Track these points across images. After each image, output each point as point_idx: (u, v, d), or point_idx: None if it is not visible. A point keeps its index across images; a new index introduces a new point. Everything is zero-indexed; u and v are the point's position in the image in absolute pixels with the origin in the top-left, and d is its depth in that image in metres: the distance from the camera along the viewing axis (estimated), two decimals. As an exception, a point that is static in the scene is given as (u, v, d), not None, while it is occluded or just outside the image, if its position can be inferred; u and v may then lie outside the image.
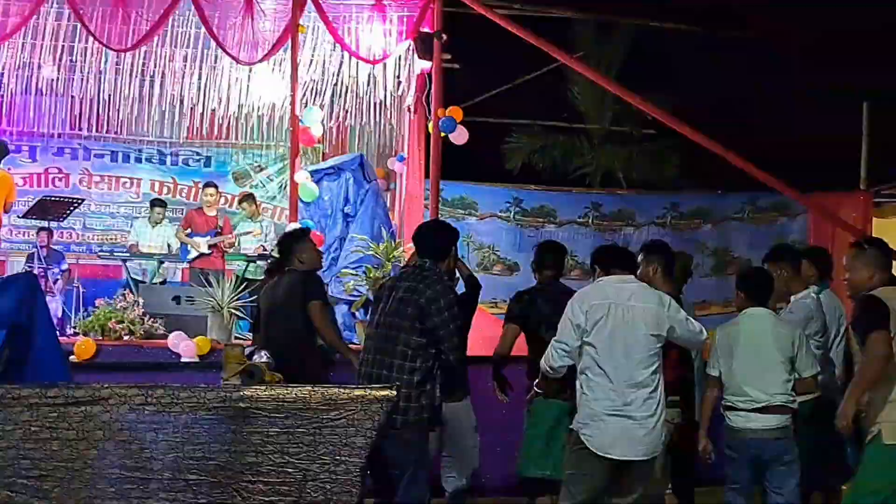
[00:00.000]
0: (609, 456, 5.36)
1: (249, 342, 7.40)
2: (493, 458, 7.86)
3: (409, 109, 12.03)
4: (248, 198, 13.07)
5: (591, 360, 5.47)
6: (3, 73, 11.56)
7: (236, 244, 12.47)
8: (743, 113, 17.83)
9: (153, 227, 12.76)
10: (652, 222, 15.58)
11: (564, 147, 19.32)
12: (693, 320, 5.76)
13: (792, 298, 6.89)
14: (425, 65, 11.21)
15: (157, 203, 13.17)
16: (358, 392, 4.75)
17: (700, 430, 6.27)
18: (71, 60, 11.73)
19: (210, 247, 12.24)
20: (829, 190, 12.81)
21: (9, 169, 13.53)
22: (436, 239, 6.21)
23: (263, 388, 4.89)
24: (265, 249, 12.01)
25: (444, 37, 11.02)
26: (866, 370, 5.29)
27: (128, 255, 12.71)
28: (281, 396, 4.71)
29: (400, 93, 12.14)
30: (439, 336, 5.63)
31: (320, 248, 8.45)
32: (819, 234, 12.57)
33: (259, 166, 14.69)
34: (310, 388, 4.80)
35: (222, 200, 13.58)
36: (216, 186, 13.05)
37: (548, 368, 5.70)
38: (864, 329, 5.32)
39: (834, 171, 13.39)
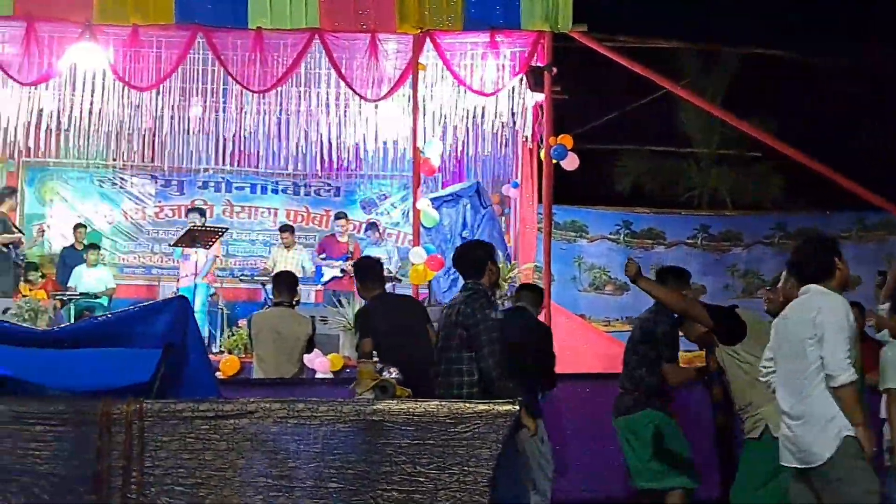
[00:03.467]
0: None
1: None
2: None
3: (524, 139, 12.06)
4: (372, 226, 13.31)
5: None
6: (159, 116, 11.95)
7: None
8: (847, 134, 17.34)
9: (287, 251, 13.02)
10: (759, 242, 15.26)
11: (672, 170, 19.09)
12: None
13: None
14: (537, 96, 11.23)
15: (284, 228, 13.45)
16: (482, 407, 4.76)
17: None
18: (215, 101, 12.10)
19: (342, 270, 12.45)
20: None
21: (159, 202, 14.11)
22: (471, 257, 6.09)
23: (395, 402, 4.93)
24: (390, 272, 12.15)
25: (555, 70, 11.02)
26: None
27: (266, 278, 13.00)
28: (411, 410, 4.73)
29: (513, 123, 12.19)
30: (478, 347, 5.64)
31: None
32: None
33: (384, 195, 14.90)
34: (437, 402, 4.83)
35: (351, 227, 13.80)
36: (346, 216, 13.32)
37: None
38: None
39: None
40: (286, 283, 8.23)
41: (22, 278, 11.70)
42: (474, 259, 5.98)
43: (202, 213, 13.15)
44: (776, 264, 12.92)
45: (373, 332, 6.90)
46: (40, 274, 12.36)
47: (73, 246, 13.15)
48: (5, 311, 9.64)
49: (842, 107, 17.48)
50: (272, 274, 10.17)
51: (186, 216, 13.09)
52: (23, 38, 10.48)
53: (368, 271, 7.33)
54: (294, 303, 8.29)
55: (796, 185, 16.50)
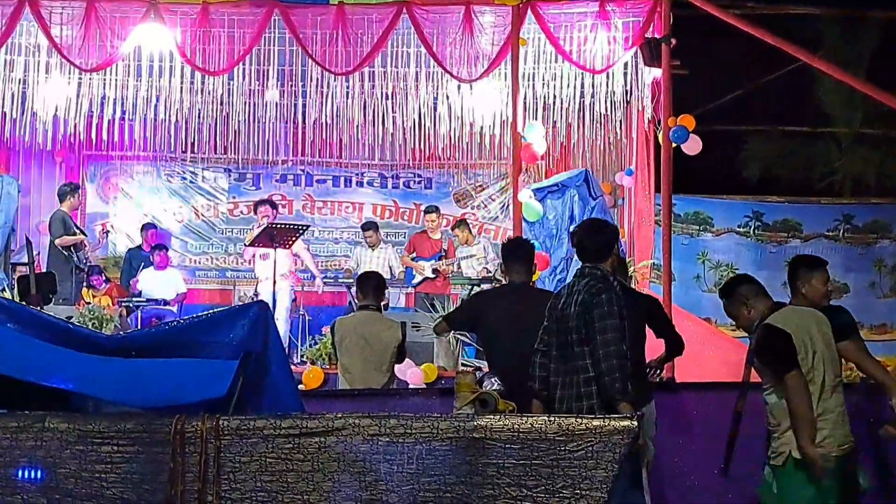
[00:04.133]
0: None
1: (483, 368, 7.45)
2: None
3: (641, 120, 11.93)
4: (462, 223, 13.24)
5: None
6: (232, 103, 12.12)
7: (458, 267, 12.66)
8: None
9: (372, 250, 13.08)
10: (908, 233, 14.94)
11: (808, 153, 18.70)
12: None
13: None
14: (654, 72, 11.10)
15: (367, 226, 13.49)
16: (597, 423, 4.69)
17: None
18: (293, 85, 12.22)
19: (434, 271, 12.47)
20: None
21: (234, 197, 14.32)
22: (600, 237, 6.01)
23: (497, 417, 4.90)
24: (489, 272, 12.14)
25: (674, 41, 10.86)
26: None
27: (350, 280, 13.10)
28: (516, 426, 4.69)
29: (626, 103, 12.07)
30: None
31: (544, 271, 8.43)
32: None
33: (480, 186, 14.91)
34: (545, 418, 4.78)
35: (444, 223, 13.82)
36: (437, 210, 13.33)
37: None
38: None
39: None
40: (372, 284, 8.27)
41: (84, 283, 11.97)
42: (604, 239, 5.94)
43: (273, 205, 13.14)
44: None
45: (478, 318, 6.93)
46: (105, 278, 12.64)
47: (139, 247, 13.42)
48: (68, 319, 9.86)
49: None
50: (356, 275, 10.22)
51: (255, 211, 13.06)
52: (82, 20, 10.70)
53: (518, 250, 7.29)
54: (382, 306, 8.32)
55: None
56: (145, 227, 13.65)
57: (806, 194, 16.87)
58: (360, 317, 8.21)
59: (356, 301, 9.72)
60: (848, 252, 14.75)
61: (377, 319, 8.13)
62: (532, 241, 11.07)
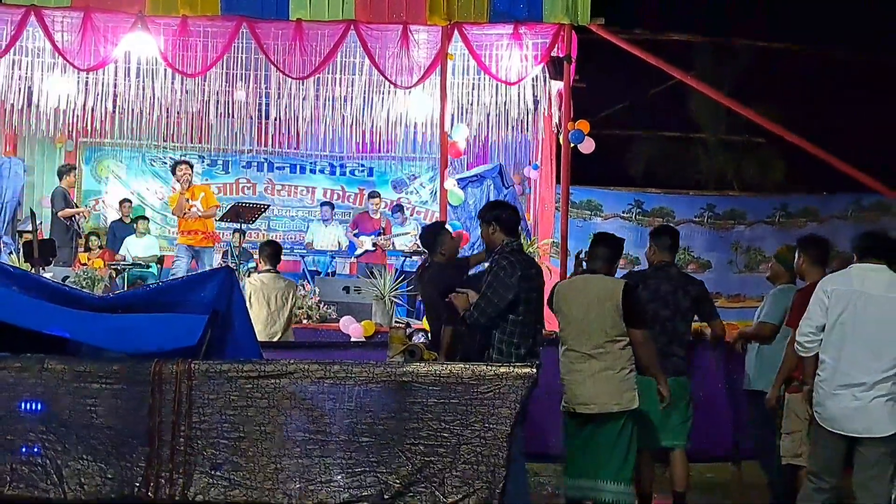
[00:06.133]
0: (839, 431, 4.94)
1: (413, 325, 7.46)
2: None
3: (547, 124, 12.01)
4: (399, 208, 13.35)
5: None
6: (206, 101, 11.97)
7: (393, 242, 12.70)
8: (845, 121, 17.13)
9: (325, 225, 13.05)
10: (761, 221, 15.18)
11: (681, 154, 18.98)
12: None
13: None
14: (557, 85, 11.17)
15: (325, 204, 13.64)
16: (503, 369, 4.78)
17: None
18: (258, 87, 12.12)
19: (374, 244, 12.48)
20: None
21: (206, 180, 14.15)
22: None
23: (422, 364, 4.96)
24: (418, 247, 12.17)
25: (573, 60, 10.95)
26: None
27: (305, 251, 13.06)
28: (437, 372, 4.77)
29: (534, 110, 12.13)
30: None
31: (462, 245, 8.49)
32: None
33: (413, 175, 14.89)
34: (462, 365, 4.86)
35: (383, 205, 13.81)
36: (379, 196, 13.34)
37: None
38: None
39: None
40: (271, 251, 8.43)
41: (83, 248, 11.83)
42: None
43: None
44: (776, 241, 12.82)
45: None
46: (99, 244, 12.48)
47: (120, 219, 13.27)
48: (65, 279, 9.72)
49: (841, 95, 17.29)
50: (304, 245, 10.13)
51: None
52: (80, 28, 10.55)
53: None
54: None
55: (797, 168, 16.35)
56: (122, 202, 13.49)
57: (678, 187, 17.10)
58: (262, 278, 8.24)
59: (309, 269, 9.69)
60: (711, 235, 14.98)
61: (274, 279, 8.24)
62: (455, 222, 11.23)
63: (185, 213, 11.13)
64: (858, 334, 4.91)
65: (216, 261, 12.55)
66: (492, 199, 12.11)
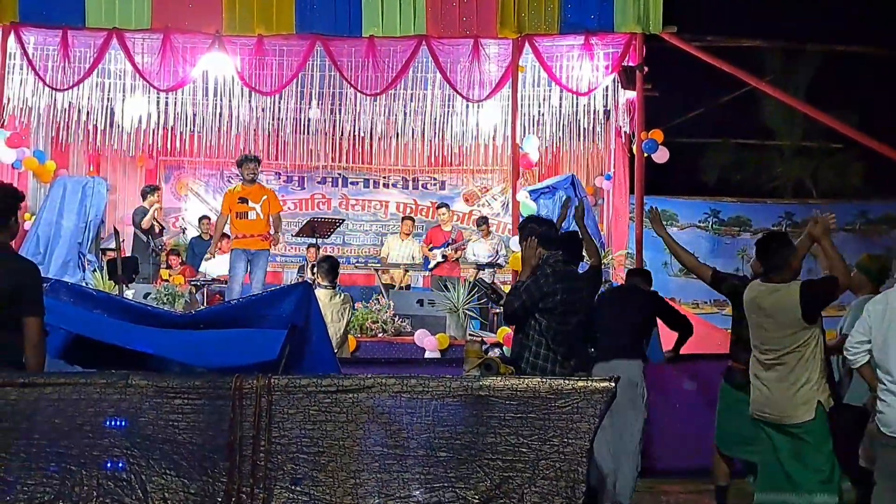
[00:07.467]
0: None
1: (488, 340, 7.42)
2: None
3: (619, 133, 11.88)
4: (483, 220, 12.99)
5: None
6: (281, 118, 12.12)
7: (468, 255, 12.60)
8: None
9: (400, 240, 12.99)
10: (842, 229, 14.78)
11: (756, 162, 18.64)
12: None
13: None
14: (629, 94, 11.05)
15: (406, 218, 13.38)
16: (581, 383, 4.69)
17: None
18: (332, 104, 12.22)
19: (443, 256, 12.44)
20: None
21: (282, 196, 14.29)
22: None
23: (499, 378, 4.90)
24: (498, 255, 12.13)
25: (646, 69, 10.82)
26: None
27: (380, 265, 13.07)
28: (514, 386, 4.68)
29: (606, 120, 12.02)
30: None
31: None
32: None
33: (485, 187, 14.85)
34: (539, 379, 4.78)
35: (455, 218, 13.74)
36: (448, 206, 13.28)
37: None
38: None
39: None
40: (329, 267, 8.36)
41: (164, 265, 12.00)
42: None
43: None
44: (858, 249, 12.47)
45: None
46: (181, 260, 12.66)
47: (199, 236, 13.43)
48: (146, 295, 9.87)
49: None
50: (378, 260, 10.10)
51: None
52: (159, 49, 10.76)
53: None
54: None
55: (876, 173, 15.92)
56: (201, 219, 13.64)
57: (754, 195, 16.80)
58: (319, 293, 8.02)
59: (383, 284, 9.59)
60: (790, 244, 14.66)
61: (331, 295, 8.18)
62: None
63: (238, 214, 10.01)
64: None
65: (293, 276, 12.65)
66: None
